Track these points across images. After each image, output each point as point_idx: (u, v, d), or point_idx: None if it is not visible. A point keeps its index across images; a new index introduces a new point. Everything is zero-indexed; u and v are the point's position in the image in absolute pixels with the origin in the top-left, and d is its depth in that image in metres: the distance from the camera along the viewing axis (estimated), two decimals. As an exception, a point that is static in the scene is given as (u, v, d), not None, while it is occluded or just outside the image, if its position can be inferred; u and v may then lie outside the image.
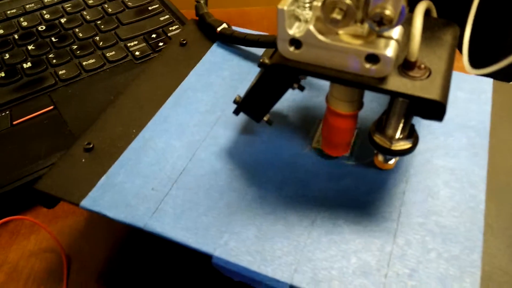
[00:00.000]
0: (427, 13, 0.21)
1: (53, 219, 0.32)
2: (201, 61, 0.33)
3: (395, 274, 0.20)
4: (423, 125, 0.27)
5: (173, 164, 0.26)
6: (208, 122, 0.28)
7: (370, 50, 0.19)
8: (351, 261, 0.21)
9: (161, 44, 0.42)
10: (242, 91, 0.30)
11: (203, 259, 0.22)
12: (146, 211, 0.23)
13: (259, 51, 0.34)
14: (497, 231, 0.22)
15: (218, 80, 0.31)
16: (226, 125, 0.28)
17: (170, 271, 0.28)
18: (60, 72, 0.39)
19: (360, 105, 0.23)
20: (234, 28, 0.35)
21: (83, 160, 0.26)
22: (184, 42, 0.35)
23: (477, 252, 0.21)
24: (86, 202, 0.24)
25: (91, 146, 0.27)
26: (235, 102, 0.26)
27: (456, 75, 0.30)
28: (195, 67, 0.33)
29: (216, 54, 0.34)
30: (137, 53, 0.41)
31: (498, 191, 0.23)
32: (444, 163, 0.25)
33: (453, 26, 0.22)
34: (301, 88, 0.25)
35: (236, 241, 0.22)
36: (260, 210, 0.23)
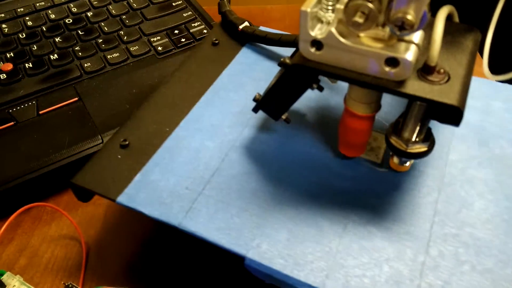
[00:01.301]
0: (449, 18, 0.21)
1: (74, 207, 0.33)
2: (233, 61, 0.33)
3: (428, 285, 0.20)
4: (457, 135, 0.27)
5: (206, 164, 0.26)
6: (240, 122, 0.29)
7: (390, 54, 0.19)
8: (383, 269, 0.21)
9: (183, 40, 0.42)
10: (274, 92, 0.30)
11: (233, 260, 0.22)
12: (180, 210, 0.24)
13: (289, 51, 0.34)
14: (532, 245, 0.22)
15: (249, 81, 0.32)
16: (258, 126, 0.28)
17: (184, 259, 0.29)
18: (85, 65, 0.40)
19: (377, 107, 0.23)
20: (260, 27, 0.35)
21: (119, 157, 0.27)
22: (217, 42, 0.35)
23: (511, 266, 0.21)
24: (122, 198, 0.24)
25: (126, 143, 0.27)
26: (254, 100, 0.27)
27: (491, 85, 0.30)
28: (227, 67, 0.33)
29: (248, 54, 0.34)
30: (159, 48, 0.41)
31: (533, 205, 0.23)
32: (479, 174, 0.25)
33: (474, 31, 0.22)
34: (320, 89, 0.25)
35: (268, 244, 0.22)
36: (292, 213, 0.23)
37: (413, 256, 0.21)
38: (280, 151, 0.27)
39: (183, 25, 0.44)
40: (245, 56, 0.34)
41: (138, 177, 0.26)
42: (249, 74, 0.32)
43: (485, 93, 0.29)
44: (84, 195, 0.26)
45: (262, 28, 0.35)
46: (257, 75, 0.32)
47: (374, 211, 0.23)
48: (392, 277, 0.21)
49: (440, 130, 0.27)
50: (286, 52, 0.34)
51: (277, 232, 0.23)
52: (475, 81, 0.30)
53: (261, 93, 0.26)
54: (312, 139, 0.27)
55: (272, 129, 0.28)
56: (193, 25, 0.44)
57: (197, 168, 0.26)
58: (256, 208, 0.24)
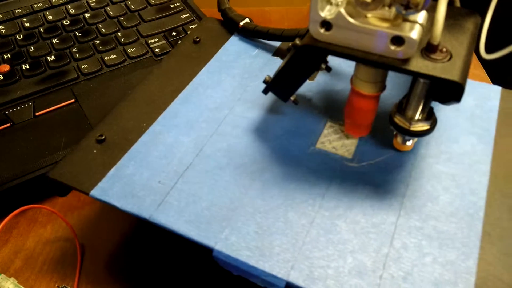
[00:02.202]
0: (451, 3, 0.23)
1: (70, 209, 0.33)
2: (213, 58, 0.34)
3: (390, 276, 0.21)
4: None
5: (180, 159, 0.27)
6: (216, 118, 0.29)
7: (396, 32, 0.20)
8: (347, 261, 0.21)
9: (180, 42, 0.43)
10: (251, 89, 0.31)
11: (205, 252, 0.23)
12: (152, 203, 0.24)
13: (270, 50, 0.34)
14: (495, 238, 0.22)
15: (228, 78, 0.32)
16: (234, 122, 0.29)
17: (177, 263, 0.29)
18: (83, 66, 0.40)
19: (382, 87, 0.24)
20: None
21: (95, 151, 0.27)
22: (198, 39, 0.35)
23: (473, 258, 0.21)
24: (95, 192, 0.25)
25: (103, 138, 0.28)
26: (264, 82, 0.28)
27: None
28: (207, 64, 0.33)
29: (228, 52, 0.34)
30: (157, 50, 0.42)
31: (498, 199, 0.24)
32: (446, 169, 0.25)
33: (475, 15, 0.23)
34: (328, 69, 0.27)
35: (236, 236, 0.23)
36: (262, 206, 0.24)
37: (377, 248, 0.22)
38: (255, 147, 0.27)
39: (181, 27, 0.44)
40: (225, 54, 0.34)
41: (112, 171, 0.26)
42: (228, 71, 0.33)
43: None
44: (61, 189, 0.27)
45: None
46: (235, 72, 0.32)
47: (342, 204, 0.24)
48: (355, 268, 0.21)
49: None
50: (268, 50, 0.34)
51: (245, 225, 0.23)
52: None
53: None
54: (286, 133, 0.28)
55: (247, 124, 0.28)
56: (190, 27, 0.44)
57: (171, 162, 0.26)
58: (227, 202, 0.24)
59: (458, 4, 0.23)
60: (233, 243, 0.22)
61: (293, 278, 0.21)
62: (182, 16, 0.46)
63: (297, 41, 0.24)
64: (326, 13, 0.21)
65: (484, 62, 0.43)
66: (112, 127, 0.29)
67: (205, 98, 0.31)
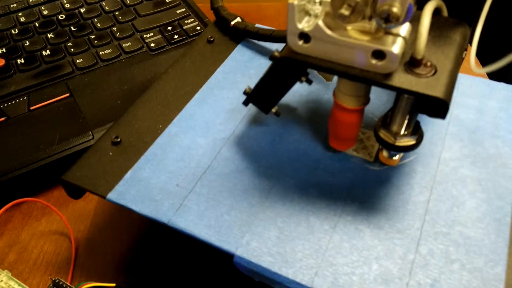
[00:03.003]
0: (438, 12, 0.21)
1: (64, 203, 0.33)
2: (228, 58, 0.33)
3: (417, 284, 0.20)
4: (450, 133, 0.27)
5: (198, 162, 0.26)
6: (233, 120, 0.28)
7: (377, 46, 0.19)
8: (372, 267, 0.21)
9: (176, 36, 0.42)
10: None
11: (222, 257, 0.22)
12: (170, 207, 0.24)
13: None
14: (523, 245, 0.22)
15: (244, 78, 0.31)
16: (251, 124, 0.28)
17: (173, 256, 0.29)
18: (78, 61, 0.40)
19: (366, 100, 0.23)
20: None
21: (111, 154, 0.27)
22: (212, 39, 0.35)
23: (501, 265, 0.21)
24: (112, 195, 0.24)
25: (118, 140, 0.27)
26: (245, 93, 0.27)
27: (486, 83, 0.30)
28: (222, 64, 0.33)
29: (243, 52, 0.34)
30: (152, 44, 0.41)
31: (526, 204, 0.23)
32: (471, 173, 0.25)
33: (463, 25, 0.22)
34: (309, 82, 0.25)
35: (257, 242, 0.22)
36: (283, 211, 0.23)
37: (403, 255, 0.21)
38: (272, 148, 0.27)
39: (177, 22, 0.44)
40: (240, 54, 0.34)
41: (129, 174, 0.26)
42: (243, 72, 0.32)
43: (480, 91, 0.29)
44: (75, 192, 0.26)
45: (257, 25, 0.35)
46: (251, 72, 0.32)
47: (365, 208, 0.23)
48: (381, 275, 0.21)
49: (434, 128, 0.27)
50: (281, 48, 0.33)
51: (266, 230, 0.23)
52: (470, 80, 0.30)
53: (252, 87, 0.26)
54: (304, 135, 0.27)
55: (265, 126, 0.28)
56: (186, 21, 0.44)
57: (189, 165, 0.26)
58: (247, 206, 0.24)
59: (445, 13, 0.22)
60: (255, 248, 0.22)
61: (318, 285, 0.20)
62: (178, 11, 0.45)
63: (276, 53, 0.23)
64: (304, 24, 0.20)
65: (484, 63, 0.42)
66: (127, 128, 0.28)
67: (221, 99, 0.30)
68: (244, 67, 0.32)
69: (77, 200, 0.32)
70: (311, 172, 0.25)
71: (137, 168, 0.26)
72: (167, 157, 0.26)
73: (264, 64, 0.32)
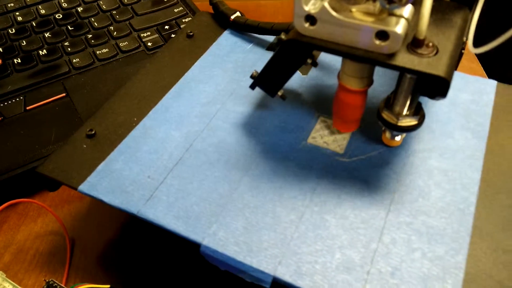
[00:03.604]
0: None
1: (60, 203, 0.33)
2: (206, 53, 0.33)
3: (378, 272, 0.21)
4: (423, 126, 0.27)
5: (170, 154, 0.26)
6: (207, 113, 0.29)
7: (381, 27, 0.20)
8: (335, 256, 0.21)
9: (173, 35, 0.42)
10: (244, 83, 0.31)
11: (193, 247, 0.22)
12: (141, 198, 0.24)
13: (264, 45, 0.34)
14: (485, 234, 0.22)
15: (221, 72, 0.32)
16: (225, 117, 0.28)
17: (167, 258, 0.29)
18: (74, 60, 0.40)
19: (370, 82, 0.24)
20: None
21: (85, 146, 0.27)
22: (191, 34, 0.35)
23: (462, 254, 0.21)
24: (84, 187, 0.25)
25: (93, 132, 0.28)
26: (251, 77, 0.27)
27: (460, 76, 0.30)
28: (199, 58, 0.33)
29: (221, 47, 0.34)
30: (149, 44, 0.41)
31: (490, 195, 0.23)
32: (439, 164, 0.25)
33: (463, 9, 0.23)
34: (315, 64, 0.26)
35: (225, 232, 0.22)
36: (251, 202, 0.24)
37: (366, 243, 0.22)
38: (245, 140, 0.27)
39: (174, 21, 0.44)
40: (218, 48, 0.34)
41: (101, 166, 0.26)
42: (220, 66, 0.32)
43: (454, 84, 0.29)
44: (50, 184, 0.27)
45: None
46: (228, 66, 0.32)
47: (332, 199, 0.24)
48: (343, 263, 0.21)
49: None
50: (261, 45, 0.34)
51: (234, 220, 0.23)
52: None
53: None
54: (277, 128, 0.27)
55: (239, 119, 0.28)
56: (184, 20, 0.44)
57: (161, 157, 0.26)
58: (217, 197, 0.24)
59: None
60: (221, 238, 0.22)
61: (280, 274, 0.21)
62: (175, 10, 0.45)
63: (283, 36, 0.24)
64: (310, 7, 0.21)
65: (480, 56, 0.43)
66: (102, 121, 0.29)
67: (197, 93, 0.30)
68: (221, 62, 0.33)
69: (73, 200, 0.33)
70: (281, 164, 0.25)
71: (109, 160, 0.26)
72: (140, 149, 0.27)
73: (241, 58, 0.33)
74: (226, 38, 0.35)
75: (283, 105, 0.29)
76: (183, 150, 0.27)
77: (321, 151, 0.26)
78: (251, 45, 0.34)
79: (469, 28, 0.24)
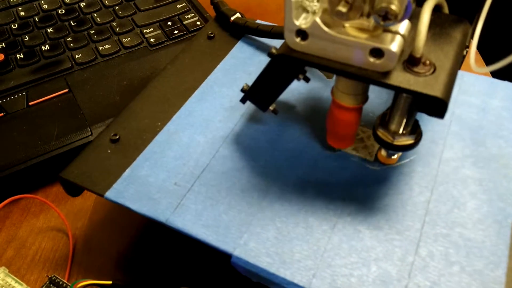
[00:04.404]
0: (438, 9, 0.21)
1: (63, 199, 0.33)
2: (227, 55, 0.33)
3: (416, 286, 0.20)
4: (452, 133, 0.26)
5: (197, 160, 0.26)
6: (232, 118, 0.28)
7: (375, 44, 0.19)
8: (371, 269, 0.21)
9: (176, 32, 0.42)
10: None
11: (220, 257, 0.22)
12: (168, 206, 0.24)
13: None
14: (524, 247, 0.21)
15: (244, 75, 0.31)
16: (250, 122, 0.28)
17: (169, 253, 0.29)
18: (77, 56, 0.39)
19: (364, 99, 0.23)
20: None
21: (109, 151, 0.27)
22: (212, 35, 0.34)
23: (501, 268, 0.21)
24: (110, 194, 0.24)
25: (117, 137, 0.27)
26: (242, 90, 0.26)
27: (489, 82, 0.29)
28: (221, 61, 0.32)
29: (243, 49, 0.33)
30: (152, 40, 0.41)
31: (527, 206, 0.23)
32: (473, 174, 0.24)
33: (464, 23, 0.22)
34: (306, 80, 0.25)
35: (255, 242, 0.22)
36: (281, 211, 0.23)
37: (402, 256, 0.21)
38: (270, 146, 0.26)
39: (177, 17, 0.44)
40: (240, 51, 0.33)
41: (127, 172, 0.25)
42: (243, 69, 0.32)
43: (483, 90, 0.29)
44: (73, 189, 0.26)
45: (258, 21, 0.34)
46: (251, 69, 0.32)
47: (364, 209, 0.23)
48: (379, 277, 0.20)
49: (435, 127, 0.27)
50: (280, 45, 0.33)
51: (265, 230, 0.22)
52: (472, 78, 0.30)
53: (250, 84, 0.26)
54: (303, 133, 0.27)
55: (264, 124, 0.28)
56: (186, 16, 0.44)
57: (187, 163, 0.26)
58: (245, 206, 0.24)
59: (446, 10, 0.22)
60: (252, 248, 0.22)
61: (315, 287, 0.20)
62: (178, 6, 0.45)
63: (273, 50, 0.23)
64: (301, 21, 0.20)
65: (487, 60, 0.42)
66: (126, 125, 0.28)
67: (221, 97, 0.30)
68: (244, 64, 0.32)
69: (75, 197, 0.32)
70: (310, 171, 0.25)
71: (135, 166, 0.26)
72: (165, 155, 0.26)
73: (264, 61, 0.32)
74: (247, 40, 0.34)
75: (309, 110, 0.28)
76: (210, 156, 0.26)
77: (350, 158, 0.26)
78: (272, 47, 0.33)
79: (469, 43, 0.23)
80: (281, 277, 0.21)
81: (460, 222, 0.22)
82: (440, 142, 0.26)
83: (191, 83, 0.31)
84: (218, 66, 0.32)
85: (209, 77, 0.31)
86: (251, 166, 0.25)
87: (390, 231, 0.22)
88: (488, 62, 0.22)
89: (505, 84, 0.29)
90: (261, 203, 0.24)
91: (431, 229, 0.22)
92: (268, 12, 0.50)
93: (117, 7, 0.45)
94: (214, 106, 0.29)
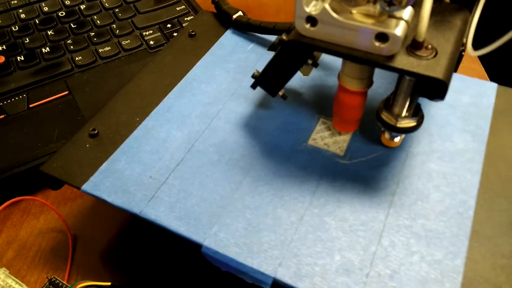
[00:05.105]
0: None
1: (62, 200, 0.33)
2: (208, 53, 0.34)
3: (377, 274, 0.21)
4: (420, 128, 0.27)
5: (172, 154, 0.27)
6: (209, 114, 0.29)
7: (380, 29, 0.20)
8: (335, 258, 0.22)
9: (175, 34, 0.42)
10: (245, 84, 0.31)
11: (195, 247, 0.23)
12: (143, 198, 0.24)
13: (266, 45, 0.34)
14: (484, 238, 0.22)
15: (222, 72, 0.32)
16: (227, 117, 0.29)
17: (168, 257, 0.29)
18: (77, 58, 0.40)
19: (369, 83, 0.24)
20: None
21: (87, 146, 0.27)
22: (193, 33, 0.35)
23: (460, 258, 0.21)
24: (87, 186, 0.25)
25: (96, 132, 0.28)
26: (253, 76, 0.28)
27: (459, 79, 0.30)
28: (201, 58, 0.33)
29: (223, 46, 0.34)
30: (151, 42, 0.42)
31: (489, 198, 0.24)
32: (438, 167, 0.25)
33: (463, 11, 0.23)
34: (315, 65, 0.27)
35: (225, 232, 0.23)
36: (252, 203, 0.24)
37: (365, 246, 0.22)
38: (246, 141, 0.27)
39: (176, 19, 0.44)
40: (220, 48, 0.34)
41: (104, 165, 0.26)
42: (222, 66, 0.32)
43: (454, 87, 0.30)
44: (53, 183, 0.27)
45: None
46: (230, 66, 0.32)
47: (332, 201, 0.24)
48: (342, 265, 0.21)
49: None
50: (263, 45, 0.34)
51: (235, 221, 0.23)
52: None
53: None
54: (278, 129, 0.28)
55: (240, 120, 0.28)
56: (186, 19, 0.44)
57: (163, 157, 0.26)
58: (217, 198, 0.24)
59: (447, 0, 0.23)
60: (222, 239, 0.22)
61: (280, 275, 0.21)
62: (178, 8, 0.46)
63: (284, 36, 0.24)
64: (311, 8, 0.21)
65: (481, 57, 0.43)
66: (105, 121, 0.29)
67: (199, 93, 0.30)
68: (223, 61, 0.33)
69: (75, 198, 0.33)
70: (282, 165, 0.26)
71: (112, 160, 0.26)
72: (142, 149, 0.27)
73: (243, 58, 0.33)
74: (228, 38, 0.35)
75: (284, 106, 0.29)
76: (185, 150, 0.27)
77: (322, 152, 0.26)
78: (252, 45, 0.34)
79: (469, 30, 0.24)
80: (248, 266, 0.21)
81: (423, 213, 0.23)
82: (408, 136, 0.27)
83: (170, 80, 0.32)
84: (198, 63, 0.33)
85: (188, 74, 0.32)
86: (225, 160, 0.26)
87: (355, 222, 0.23)
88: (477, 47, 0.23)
89: (475, 80, 0.30)
90: (232, 195, 0.24)
91: (395, 220, 0.23)
92: (267, 14, 0.50)
93: (117, 10, 0.45)
94: (192, 102, 0.30)
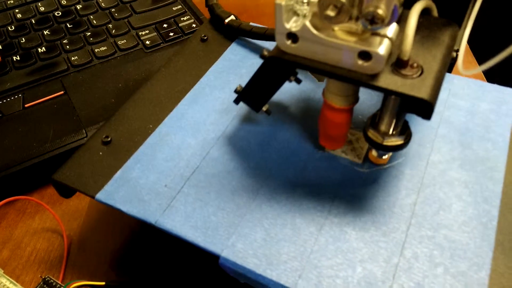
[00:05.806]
0: (428, 12, 0.22)
1: (58, 200, 0.33)
2: (220, 58, 0.33)
3: (400, 287, 0.20)
4: (440, 136, 0.27)
5: (187, 162, 0.26)
6: (223, 120, 0.29)
7: (363, 47, 0.19)
8: (356, 270, 0.21)
9: (171, 34, 0.42)
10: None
11: (210, 258, 0.22)
12: (158, 208, 0.24)
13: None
14: (508, 249, 0.22)
15: (236, 78, 0.31)
16: (241, 124, 0.28)
17: (164, 255, 0.29)
18: (73, 58, 0.40)
19: (355, 100, 0.23)
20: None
21: (101, 153, 0.27)
22: (205, 38, 0.35)
23: (485, 269, 0.21)
24: (101, 195, 0.25)
25: (109, 139, 0.27)
26: (236, 91, 0.27)
27: (478, 85, 0.29)
28: (214, 64, 0.33)
29: (235, 51, 0.34)
30: (147, 42, 0.41)
31: (511, 208, 0.23)
32: (459, 176, 0.25)
33: (452, 26, 0.22)
34: (298, 81, 0.26)
35: (243, 243, 0.22)
36: (269, 212, 0.23)
37: (387, 258, 0.21)
38: (261, 148, 0.27)
39: (172, 19, 0.44)
40: (233, 53, 0.34)
41: (118, 174, 0.26)
42: (235, 71, 0.32)
43: (473, 93, 0.29)
44: (65, 191, 0.26)
45: (251, 23, 0.35)
46: (243, 72, 0.32)
47: (351, 210, 0.23)
48: (364, 278, 0.21)
49: (423, 130, 0.27)
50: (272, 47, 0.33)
51: (253, 232, 0.23)
52: (463, 81, 0.30)
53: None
54: (294, 135, 0.27)
55: (255, 126, 0.28)
56: (182, 19, 0.44)
57: (178, 165, 0.26)
58: (234, 207, 0.24)
59: (435, 14, 0.22)
60: (240, 250, 0.22)
61: (301, 288, 0.21)
62: (174, 8, 0.45)
63: (265, 52, 0.23)
64: (292, 24, 0.20)
65: (478, 59, 0.42)
66: (118, 128, 0.28)
67: (213, 99, 0.30)
68: (236, 67, 0.32)
69: (70, 198, 0.32)
70: (299, 173, 0.25)
71: (126, 168, 0.26)
72: (156, 157, 0.27)
73: (256, 63, 0.32)
74: (240, 43, 0.34)
75: (301, 112, 0.29)
76: (200, 158, 0.26)
77: (339, 160, 0.26)
78: (264, 49, 0.33)
79: (459, 46, 0.23)
80: (267, 278, 0.21)
81: (445, 224, 0.23)
82: (428, 145, 0.26)
83: (183, 86, 0.31)
84: (211, 69, 0.32)
85: (201, 79, 0.32)
86: (241, 168, 0.26)
87: (376, 233, 0.22)
88: (482, 63, 0.22)
89: (493, 87, 0.29)
90: (250, 204, 0.24)
91: (417, 231, 0.22)
92: (264, 14, 0.50)
93: (113, 9, 0.45)
94: (206, 109, 0.29)
